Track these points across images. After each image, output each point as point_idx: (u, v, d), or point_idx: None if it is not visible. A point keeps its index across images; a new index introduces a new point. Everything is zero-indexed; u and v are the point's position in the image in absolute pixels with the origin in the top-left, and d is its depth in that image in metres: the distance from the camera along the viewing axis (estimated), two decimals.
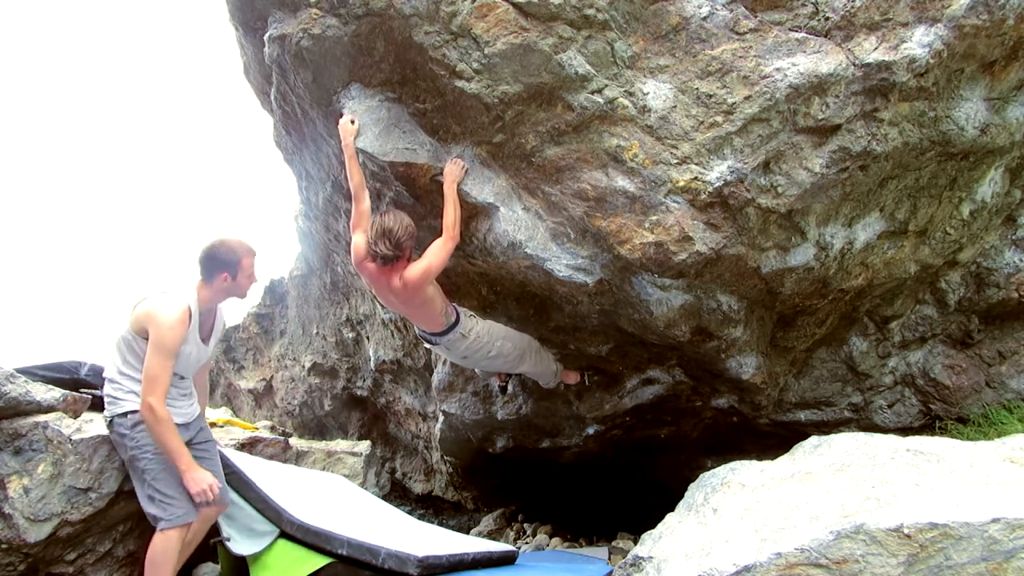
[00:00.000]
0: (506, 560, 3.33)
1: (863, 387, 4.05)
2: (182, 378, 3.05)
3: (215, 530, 3.16)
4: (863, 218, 3.27)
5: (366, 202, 3.36)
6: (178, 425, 2.89)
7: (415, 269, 3.24)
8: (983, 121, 3.03)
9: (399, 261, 3.23)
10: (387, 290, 3.37)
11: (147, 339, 2.82)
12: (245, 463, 3.47)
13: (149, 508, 2.83)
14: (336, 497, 3.80)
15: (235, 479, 3.25)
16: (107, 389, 2.95)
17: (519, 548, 5.13)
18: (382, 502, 4.18)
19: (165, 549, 2.79)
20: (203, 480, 2.81)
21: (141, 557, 2.78)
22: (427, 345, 3.87)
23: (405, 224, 3.20)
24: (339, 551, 2.94)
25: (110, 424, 2.93)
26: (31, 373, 3.42)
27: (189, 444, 2.95)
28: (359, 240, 3.34)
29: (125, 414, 2.89)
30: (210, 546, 3.25)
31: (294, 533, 3.07)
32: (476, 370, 4.44)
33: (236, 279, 3.04)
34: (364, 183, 3.37)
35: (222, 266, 2.99)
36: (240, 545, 3.07)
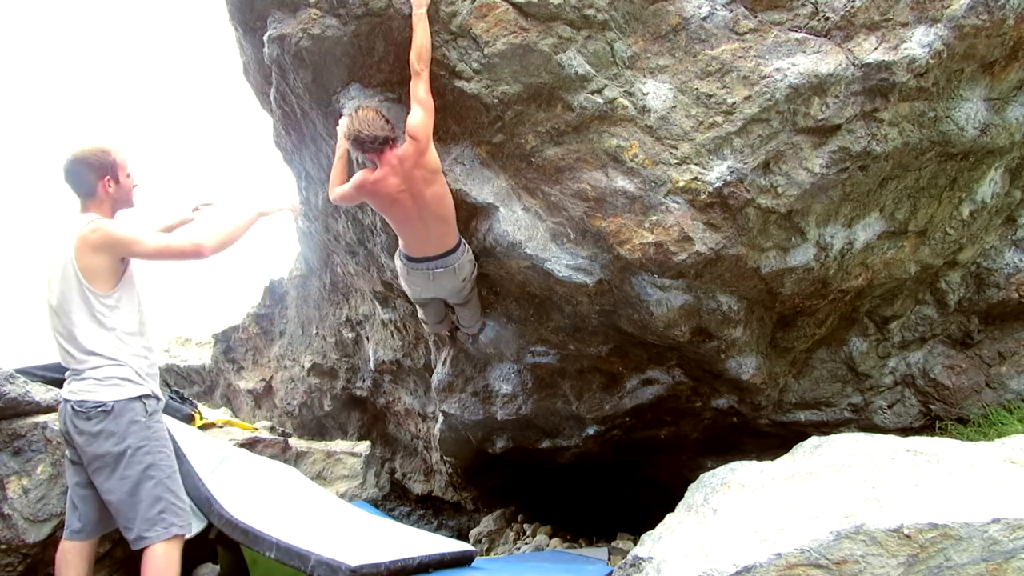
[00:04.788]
0: (461, 561, 3.08)
1: (863, 387, 4.05)
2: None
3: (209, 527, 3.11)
4: (863, 218, 3.27)
5: (340, 192, 3.30)
6: (154, 397, 2.59)
7: (414, 118, 2.96)
8: (983, 121, 3.03)
9: (392, 143, 3.03)
10: (399, 177, 3.06)
11: (109, 288, 2.52)
12: (187, 441, 3.15)
13: (151, 511, 2.46)
14: (285, 491, 3.54)
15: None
16: (97, 373, 2.50)
17: (518, 548, 5.14)
18: (339, 499, 3.95)
19: (170, 562, 2.49)
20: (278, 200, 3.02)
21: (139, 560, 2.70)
22: (422, 269, 3.35)
23: (375, 116, 2.98)
24: (267, 554, 2.71)
25: (101, 410, 2.47)
26: (30, 373, 3.42)
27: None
28: (344, 188, 3.25)
29: (139, 399, 2.52)
30: (210, 545, 3.23)
31: (221, 527, 2.83)
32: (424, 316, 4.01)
33: (120, 182, 2.66)
34: (343, 179, 3.32)
35: (99, 170, 2.59)
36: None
